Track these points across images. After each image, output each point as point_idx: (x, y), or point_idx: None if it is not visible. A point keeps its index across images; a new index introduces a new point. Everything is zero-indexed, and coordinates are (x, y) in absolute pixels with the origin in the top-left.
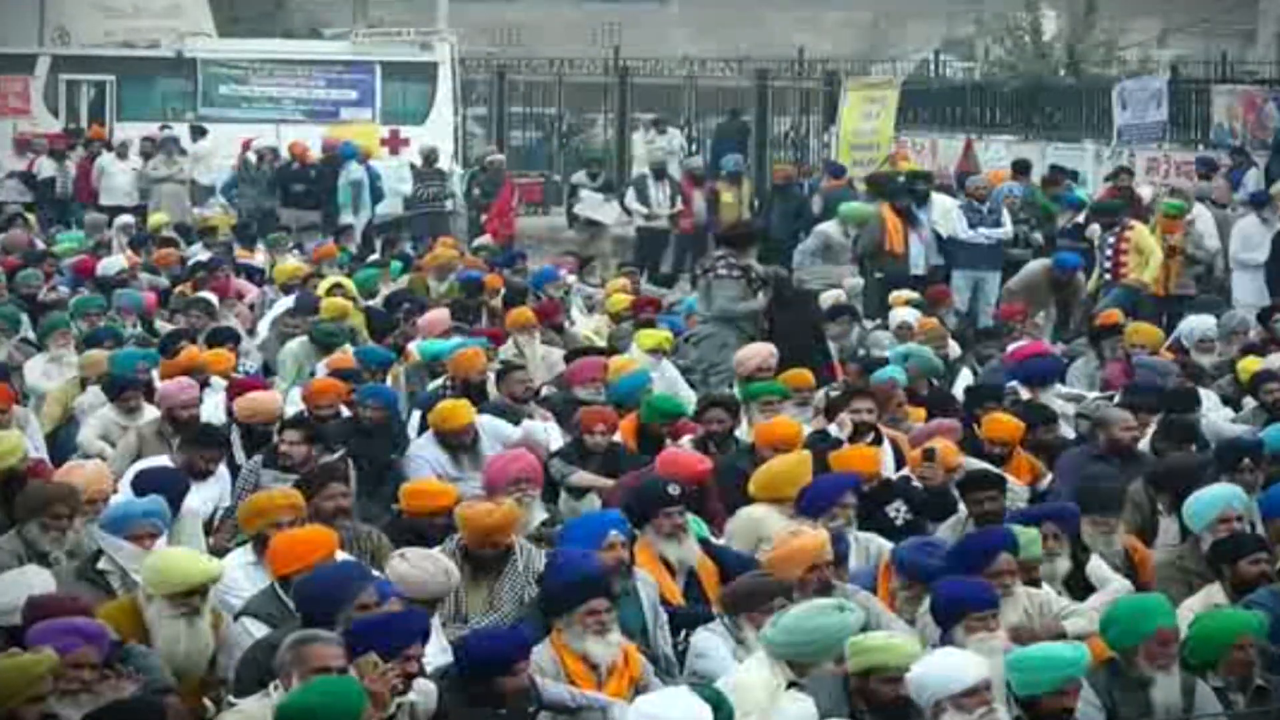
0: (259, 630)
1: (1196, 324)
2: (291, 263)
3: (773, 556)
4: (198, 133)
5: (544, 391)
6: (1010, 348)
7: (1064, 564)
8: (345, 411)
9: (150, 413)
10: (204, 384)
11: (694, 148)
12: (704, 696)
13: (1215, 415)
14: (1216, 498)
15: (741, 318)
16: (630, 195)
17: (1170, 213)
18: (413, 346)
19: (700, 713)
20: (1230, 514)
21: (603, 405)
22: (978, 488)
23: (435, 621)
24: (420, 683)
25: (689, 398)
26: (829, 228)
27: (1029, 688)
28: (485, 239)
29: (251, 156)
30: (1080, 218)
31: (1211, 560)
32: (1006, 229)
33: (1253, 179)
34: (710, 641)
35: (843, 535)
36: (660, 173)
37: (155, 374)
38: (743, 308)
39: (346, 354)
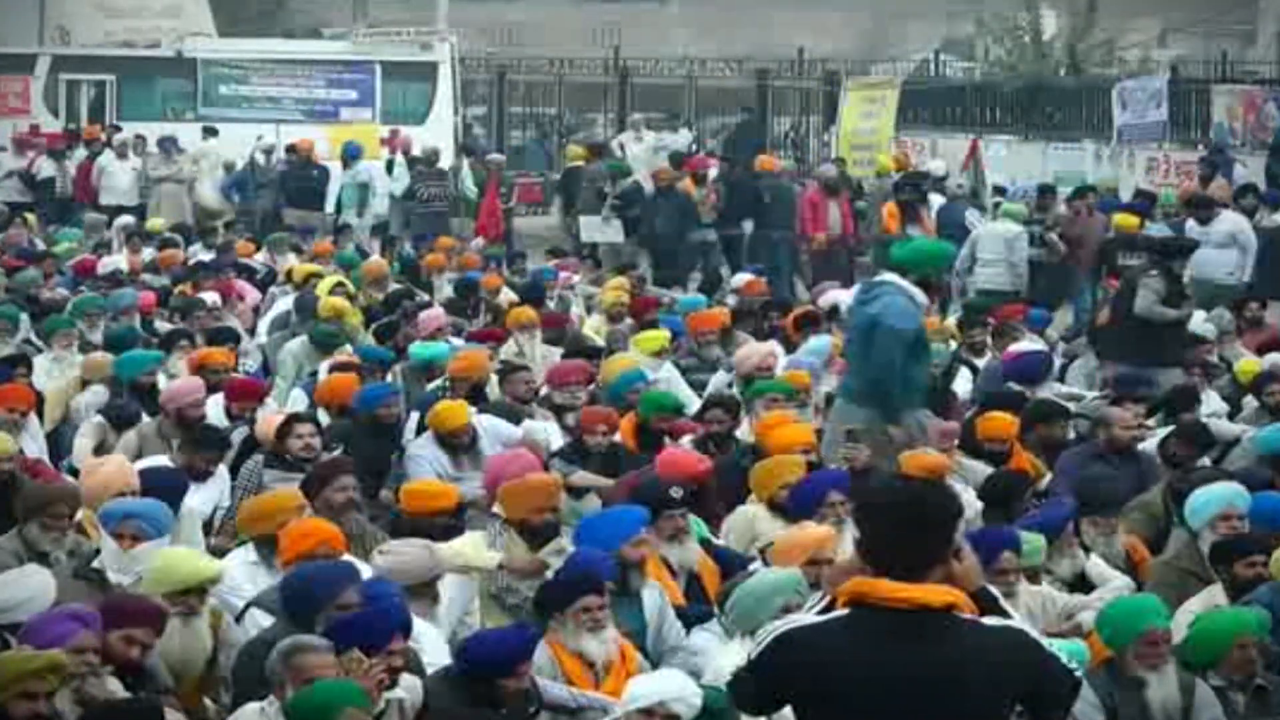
0: (267, 621)
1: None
2: (304, 263)
3: (776, 547)
4: (209, 132)
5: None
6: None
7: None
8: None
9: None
10: (213, 387)
11: (695, 148)
12: (707, 698)
13: (1210, 408)
14: (1218, 496)
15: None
16: None
17: None
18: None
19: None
20: (1231, 512)
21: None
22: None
23: (439, 612)
24: (405, 678)
25: (689, 397)
26: None
27: None
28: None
29: (259, 156)
30: None
31: (1213, 560)
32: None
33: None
34: (705, 640)
35: None
36: None
37: (161, 376)
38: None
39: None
